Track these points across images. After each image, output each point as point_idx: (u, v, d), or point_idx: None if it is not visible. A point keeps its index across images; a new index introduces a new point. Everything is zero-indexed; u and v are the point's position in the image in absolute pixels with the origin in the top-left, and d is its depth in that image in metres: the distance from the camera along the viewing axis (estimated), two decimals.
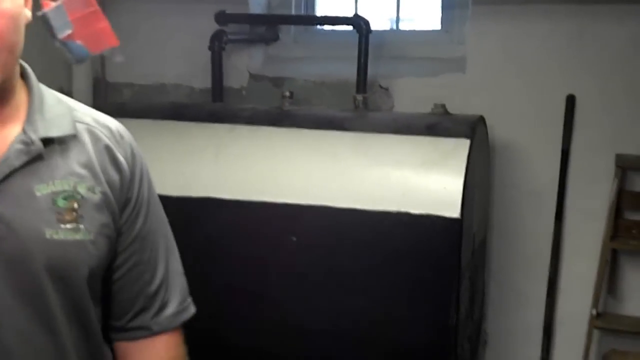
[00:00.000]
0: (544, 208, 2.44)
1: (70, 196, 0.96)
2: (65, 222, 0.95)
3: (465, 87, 2.45)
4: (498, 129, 2.40)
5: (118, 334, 1.10)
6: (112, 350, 1.12)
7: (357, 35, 2.40)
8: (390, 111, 2.54)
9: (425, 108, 2.22)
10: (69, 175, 0.97)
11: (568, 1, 2.32)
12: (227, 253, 2.02)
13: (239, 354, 2.06)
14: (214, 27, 2.55)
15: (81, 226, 0.96)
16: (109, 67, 2.83)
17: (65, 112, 1.02)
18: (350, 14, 2.45)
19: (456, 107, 2.22)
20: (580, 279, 2.41)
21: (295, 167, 2.00)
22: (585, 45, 2.33)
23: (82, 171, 0.98)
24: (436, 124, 2.03)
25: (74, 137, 1.00)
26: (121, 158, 1.03)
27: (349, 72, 2.44)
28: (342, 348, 1.97)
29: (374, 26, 2.42)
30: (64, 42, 1.21)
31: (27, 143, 0.94)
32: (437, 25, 2.67)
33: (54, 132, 0.97)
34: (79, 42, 1.21)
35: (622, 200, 2.34)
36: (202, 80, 2.69)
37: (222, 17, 2.56)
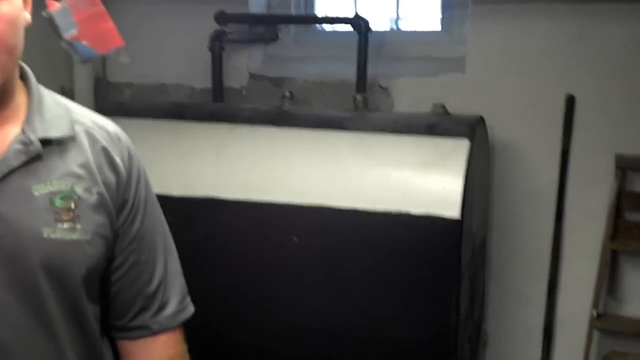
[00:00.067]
0: (543, 208, 2.44)
1: (67, 196, 0.97)
2: (62, 222, 0.96)
3: (465, 87, 2.45)
4: (498, 129, 2.40)
5: (120, 333, 1.12)
6: (116, 348, 1.14)
7: (356, 35, 2.40)
8: (390, 111, 2.54)
9: (425, 108, 2.22)
10: (67, 176, 0.98)
11: (568, 1, 2.32)
12: (227, 252, 2.02)
13: (239, 353, 2.06)
14: (214, 27, 2.56)
15: (78, 226, 0.98)
16: (110, 66, 2.84)
17: (64, 113, 1.04)
18: (350, 14, 2.46)
19: (456, 107, 2.22)
20: (580, 280, 2.41)
21: (295, 167, 2.00)
22: (585, 45, 2.33)
23: (80, 172, 1.00)
24: (436, 124, 2.03)
25: (72, 138, 1.01)
26: (118, 160, 1.05)
27: (349, 72, 2.44)
28: (342, 348, 1.97)
29: (373, 26, 2.42)
30: (69, 43, 1.21)
31: (26, 143, 0.96)
32: (436, 25, 2.67)
33: (52, 133, 0.99)
34: (84, 42, 1.22)
35: (622, 201, 2.34)
36: (203, 80, 2.70)
37: (222, 17, 2.56)
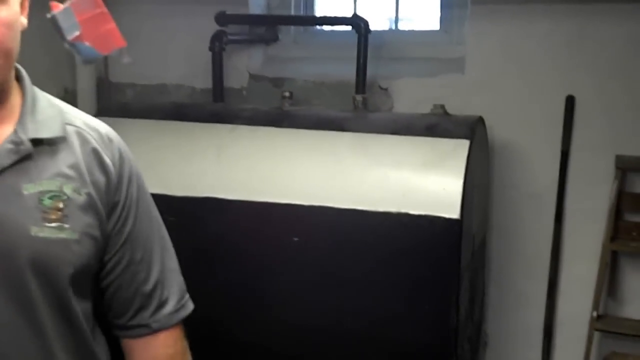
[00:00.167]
0: (543, 209, 2.44)
1: (56, 196, 0.99)
2: (50, 221, 0.98)
3: (465, 87, 2.45)
4: (497, 130, 2.41)
5: (121, 331, 1.15)
6: (119, 347, 1.16)
7: (356, 36, 2.40)
8: (389, 112, 2.54)
9: (425, 108, 2.22)
10: (56, 176, 1.01)
11: (567, 1, 2.32)
12: (227, 252, 2.02)
13: (240, 352, 2.06)
14: (215, 27, 2.56)
15: (66, 225, 1.00)
16: (112, 67, 2.85)
17: (56, 114, 1.06)
18: (350, 15, 2.46)
19: (455, 108, 2.23)
20: (580, 281, 2.41)
21: (295, 167, 2.01)
22: (585, 46, 2.33)
23: (69, 172, 1.02)
24: (435, 125, 2.04)
25: (63, 139, 1.04)
26: (108, 161, 1.07)
27: (349, 72, 2.44)
28: (342, 348, 1.97)
29: (373, 26, 2.42)
30: (72, 44, 1.23)
31: (17, 143, 0.98)
32: (436, 26, 2.67)
33: (43, 134, 1.01)
34: (87, 43, 1.23)
35: (622, 202, 2.34)
36: (203, 81, 2.70)
37: (222, 18, 2.57)
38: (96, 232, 1.04)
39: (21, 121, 1.00)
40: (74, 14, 1.20)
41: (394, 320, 1.92)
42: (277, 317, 2.00)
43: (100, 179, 1.05)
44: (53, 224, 0.98)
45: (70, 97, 2.74)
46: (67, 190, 1.01)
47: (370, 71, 2.43)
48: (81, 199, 1.02)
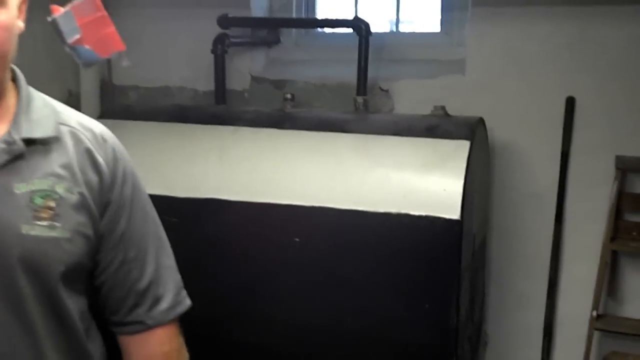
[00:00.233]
0: (544, 209, 2.45)
1: (47, 195, 1.01)
2: (40, 220, 0.99)
3: (465, 88, 2.46)
4: (498, 131, 2.42)
5: (117, 328, 1.15)
6: (117, 343, 1.16)
7: (357, 38, 2.41)
8: (390, 113, 2.55)
9: (425, 110, 2.24)
10: (48, 175, 1.02)
11: (568, 3, 2.33)
12: (229, 252, 2.03)
13: (241, 352, 2.07)
14: (217, 30, 2.58)
15: (57, 224, 1.01)
16: (116, 70, 2.86)
17: (50, 114, 1.07)
18: (351, 17, 2.47)
19: (456, 109, 2.24)
20: (580, 281, 2.42)
21: (296, 168, 2.02)
22: (585, 47, 2.33)
23: (62, 172, 1.03)
24: (436, 126, 2.05)
25: (56, 139, 1.05)
26: (101, 160, 1.08)
27: (350, 74, 2.46)
28: (343, 348, 1.98)
29: (374, 28, 2.44)
30: (73, 47, 1.24)
31: (9, 143, 1.00)
32: (436, 28, 2.68)
33: (36, 133, 1.02)
34: (87, 46, 1.24)
35: (622, 202, 2.35)
36: (206, 83, 2.72)
37: (224, 21, 2.58)
38: (89, 231, 1.05)
39: (15, 121, 1.02)
40: (74, 18, 1.22)
41: (394, 320, 1.93)
42: (278, 317, 2.02)
43: (93, 178, 1.06)
44: (44, 223, 0.99)
45: (74, 100, 2.76)
46: (59, 189, 1.02)
47: (371, 73, 2.44)
48: (73, 198, 1.03)
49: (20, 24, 1.03)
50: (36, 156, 1.02)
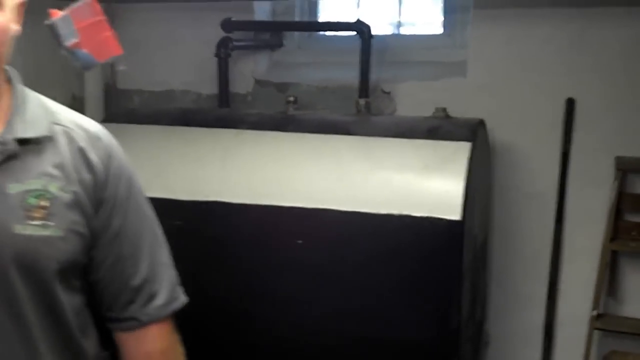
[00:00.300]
0: (544, 210, 2.46)
1: (40, 195, 1.02)
2: (34, 219, 1.01)
3: (466, 90, 2.47)
4: (498, 132, 2.43)
5: (113, 324, 1.16)
6: (113, 340, 1.17)
7: (359, 41, 2.43)
8: (392, 115, 2.56)
9: (427, 112, 2.25)
10: (42, 175, 1.03)
11: (568, 5, 2.34)
12: (232, 255, 2.04)
13: (246, 353, 2.08)
14: (220, 34, 2.59)
15: (51, 223, 1.02)
16: (120, 74, 2.87)
17: (43, 114, 1.08)
18: (353, 20, 2.49)
19: (457, 111, 2.25)
20: (580, 281, 2.43)
21: (299, 171, 2.03)
22: (585, 49, 2.34)
23: (55, 171, 1.04)
24: (437, 128, 2.06)
25: (49, 138, 1.06)
26: (95, 159, 1.09)
27: (352, 76, 2.47)
28: (345, 348, 1.99)
29: (376, 31, 2.45)
30: (70, 50, 1.25)
31: (3, 143, 1.01)
32: (438, 30, 2.69)
33: (30, 133, 1.04)
34: (85, 50, 1.26)
35: (622, 202, 2.36)
36: (209, 87, 2.73)
37: (228, 25, 2.60)
38: (83, 229, 1.06)
39: (9, 121, 1.03)
40: (72, 22, 1.23)
41: (396, 320, 1.94)
42: (281, 318, 2.03)
43: (87, 176, 1.07)
44: (37, 222, 1.01)
45: (78, 104, 2.76)
46: (53, 188, 1.03)
47: (373, 75, 2.46)
48: (67, 197, 1.04)
49: (16, 27, 1.04)
50: (30, 156, 1.03)
